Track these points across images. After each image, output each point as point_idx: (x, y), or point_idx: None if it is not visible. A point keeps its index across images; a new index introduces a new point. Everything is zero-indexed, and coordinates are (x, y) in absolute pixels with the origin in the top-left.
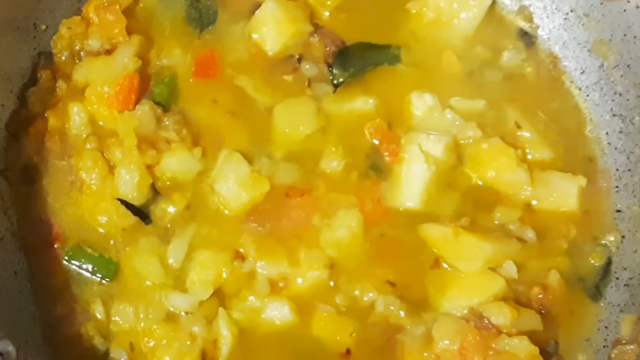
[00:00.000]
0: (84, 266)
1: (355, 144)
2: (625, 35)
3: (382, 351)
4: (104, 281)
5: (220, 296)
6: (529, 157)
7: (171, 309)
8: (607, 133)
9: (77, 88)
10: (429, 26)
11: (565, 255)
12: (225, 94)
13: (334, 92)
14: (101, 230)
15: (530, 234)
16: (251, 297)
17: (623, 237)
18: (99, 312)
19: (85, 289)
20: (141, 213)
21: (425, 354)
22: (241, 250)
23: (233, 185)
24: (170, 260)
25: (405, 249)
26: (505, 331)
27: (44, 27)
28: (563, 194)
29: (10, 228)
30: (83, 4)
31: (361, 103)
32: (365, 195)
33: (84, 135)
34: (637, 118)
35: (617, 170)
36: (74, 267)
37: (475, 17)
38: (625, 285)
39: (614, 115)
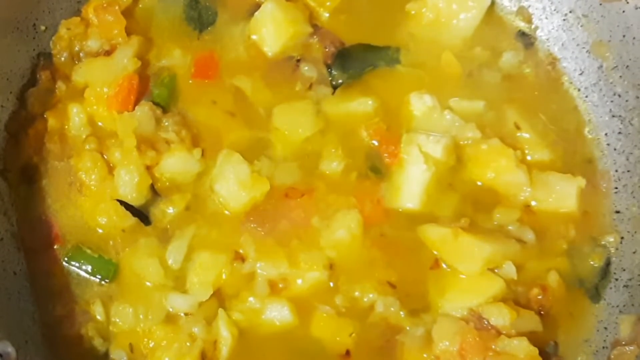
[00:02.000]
0: (84, 267)
1: (355, 145)
2: (624, 36)
3: (382, 352)
4: (103, 282)
5: (219, 297)
6: (528, 158)
7: (171, 310)
8: (606, 134)
9: (77, 89)
10: (428, 27)
11: (564, 256)
12: (224, 94)
13: (333, 93)
14: (101, 231)
15: (529, 235)
16: (251, 298)
17: (622, 238)
18: (98, 313)
19: (85, 289)
20: (140, 214)
21: (425, 355)
22: (241, 251)
23: (233, 185)
24: (170, 261)
25: (404, 250)
26: (504, 332)
27: (43, 27)
28: (562, 195)
29: (9, 229)
30: (82, 4)
31: (360, 104)
32: (365, 196)
33: (84, 136)
34: (636, 119)
35: (616, 171)
36: (73, 268)
37: (474, 18)
38: (624, 286)
39: (613, 116)
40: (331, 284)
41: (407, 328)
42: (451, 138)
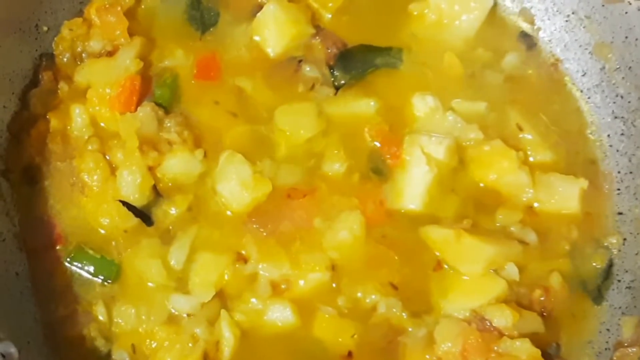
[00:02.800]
0: (86, 268)
1: (357, 146)
2: (626, 37)
3: (384, 353)
4: (105, 283)
5: (222, 298)
6: (531, 159)
7: (173, 311)
8: (608, 135)
9: (79, 89)
10: (431, 28)
11: (566, 258)
12: (226, 95)
13: (335, 94)
14: (103, 231)
15: (531, 236)
16: (253, 299)
17: (625, 239)
18: (100, 314)
19: (87, 290)
20: (143, 215)
21: (427, 356)
22: (243, 252)
23: (235, 186)
24: (172, 262)
25: (407, 251)
26: (507, 333)
27: (45, 28)
28: (565, 196)
29: (12, 229)
30: (85, 5)
31: (363, 105)
32: (367, 197)
33: (86, 137)
34: (639, 120)
35: (619, 172)
36: (75, 268)
37: (476, 19)
38: (627, 287)
39: (616, 117)
40: (333, 285)
41: (410, 329)
42: (453, 139)
